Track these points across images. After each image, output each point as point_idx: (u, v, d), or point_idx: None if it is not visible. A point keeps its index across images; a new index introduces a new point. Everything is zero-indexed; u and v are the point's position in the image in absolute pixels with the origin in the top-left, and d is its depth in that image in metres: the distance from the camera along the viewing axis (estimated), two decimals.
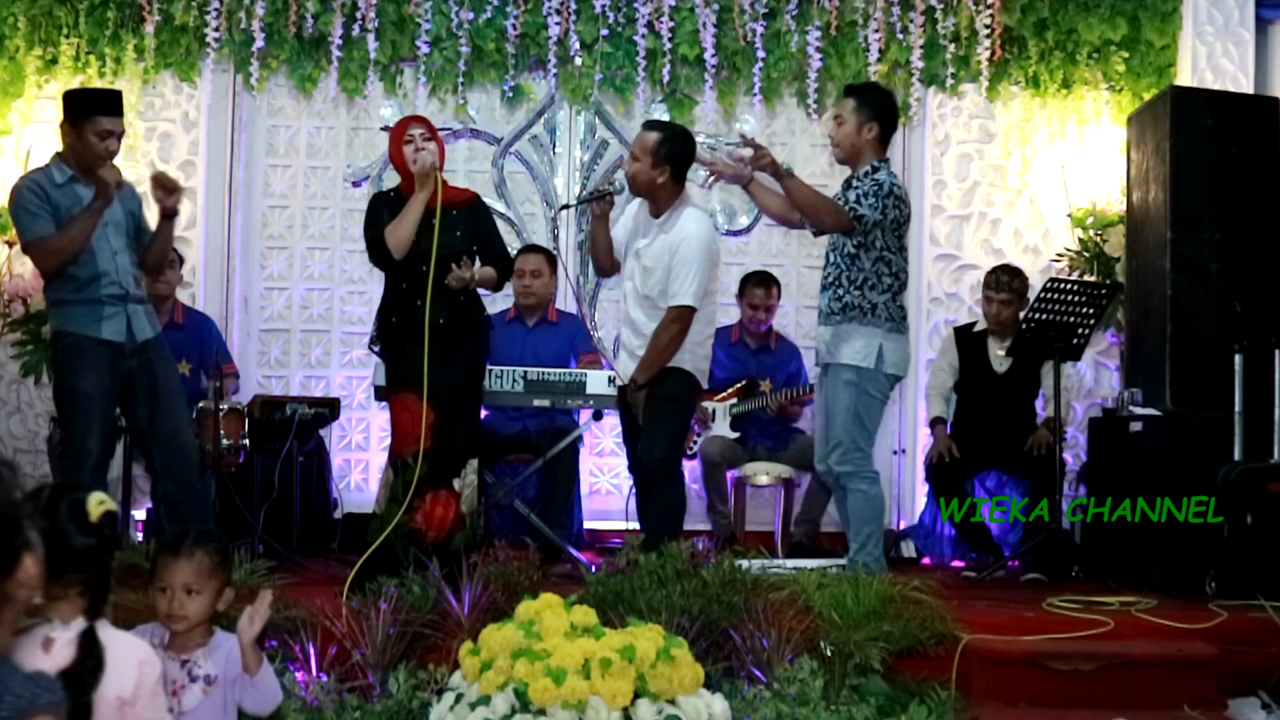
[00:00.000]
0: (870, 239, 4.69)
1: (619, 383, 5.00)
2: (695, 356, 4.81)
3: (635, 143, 4.90)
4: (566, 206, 6.55)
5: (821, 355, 4.85)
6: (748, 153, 4.80)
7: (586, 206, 5.01)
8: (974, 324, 6.07)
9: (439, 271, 4.52)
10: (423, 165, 4.54)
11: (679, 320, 4.72)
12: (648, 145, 4.76)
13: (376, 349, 4.87)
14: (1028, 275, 6.00)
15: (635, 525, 4.92)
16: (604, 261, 5.04)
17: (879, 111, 4.77)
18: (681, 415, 4.89)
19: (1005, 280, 5.88)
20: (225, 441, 5.22)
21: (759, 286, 6.29)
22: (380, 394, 5.02)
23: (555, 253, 6.39)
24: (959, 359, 6.00)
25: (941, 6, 6.45)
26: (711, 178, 4.93)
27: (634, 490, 5.07)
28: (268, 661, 3.06)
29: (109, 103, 4.62)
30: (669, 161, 4.74)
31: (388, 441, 4.88)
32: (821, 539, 6.22)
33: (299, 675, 3.71)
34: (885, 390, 4.81)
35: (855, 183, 4.73)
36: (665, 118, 6.50)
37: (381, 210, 4.64)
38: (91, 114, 4.53)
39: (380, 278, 4.85)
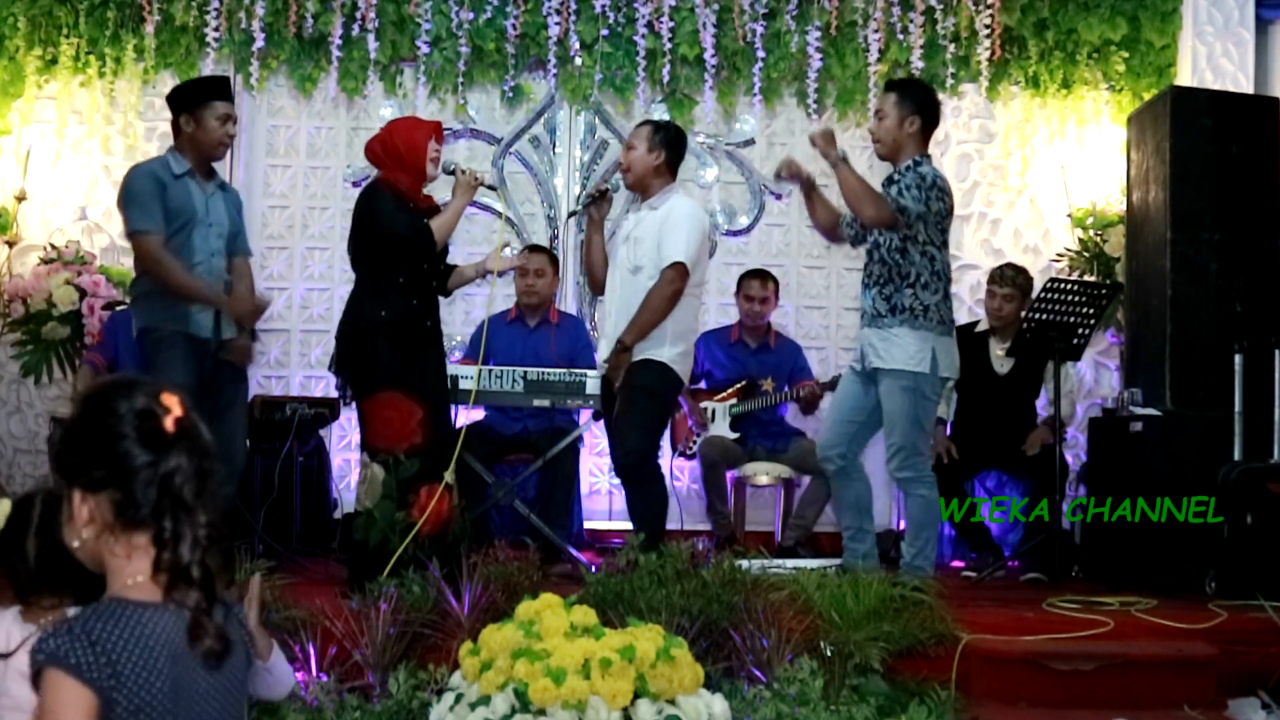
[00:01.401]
0: (914, 232, 4.64)
1: (600, 370, 4.95)
2: (674, 350, 4.76)
3: (631, 136, 5.01)
4: (574, 213, 6.53)
5: (868, 359, 4.71)
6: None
7: (586, 211, 5.04)
8: (976, 324, 6.07)
9: (447, 274, 4.77)
10: (476, 175, 4.69)
11: (674, 281, 4.71)
12: (644, 133, 4.91)
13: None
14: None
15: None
16: (599, 273, 5.02)
17: (921, 105, 4.74)
18: (657, 408, 4.81)
19: (1010, 275, 5.89)
20: None
21: (754, 279, 6.29)
22: (371, 390, 4.92)
23: (556, 254, 6.40)
24: (960, 358, 5.98)
25: (941, 6, 6.45)
26: (787, 173, 4.89)
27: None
28: (277, 645, 3.06)
29: (221, 88, 4.66)
30: (665, 147, 4.85)
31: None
32: (820, 541, 6.21)
33: (299, 675, 3.70)
34: (939, 392, 4.81)
35: (897, 177, 4.71)
36: (665, 118, 6.50)
37: (391, 201, 4.60)
38: (209, 99, 4.57)
39: None
